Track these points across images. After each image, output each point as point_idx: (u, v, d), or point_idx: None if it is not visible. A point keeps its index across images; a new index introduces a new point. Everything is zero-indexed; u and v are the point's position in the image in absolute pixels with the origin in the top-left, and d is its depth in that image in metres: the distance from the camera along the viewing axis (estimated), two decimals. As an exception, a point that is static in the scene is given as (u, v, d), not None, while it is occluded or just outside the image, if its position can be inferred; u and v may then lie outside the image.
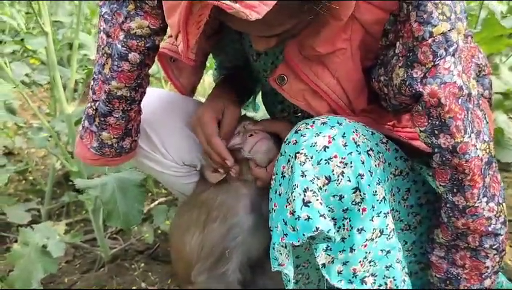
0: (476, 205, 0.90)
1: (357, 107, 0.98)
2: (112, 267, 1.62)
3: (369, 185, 0.84)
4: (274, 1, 0.66)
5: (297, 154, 0.84)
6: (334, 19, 0.84)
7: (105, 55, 0.98)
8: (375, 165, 0.87)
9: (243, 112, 1.23)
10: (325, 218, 0.80)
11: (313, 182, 0.82)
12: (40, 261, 1.37)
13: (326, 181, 0.83)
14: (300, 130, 0.88)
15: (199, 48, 1.01)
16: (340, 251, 0.86)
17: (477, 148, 0.87)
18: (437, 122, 0.85)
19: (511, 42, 1.82)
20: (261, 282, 1.15)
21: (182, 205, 1.27)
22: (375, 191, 0.85)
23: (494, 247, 0.95)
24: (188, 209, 1.18)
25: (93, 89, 1.03)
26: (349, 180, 0.83)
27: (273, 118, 1.26)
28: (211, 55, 1.29)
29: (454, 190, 0.90)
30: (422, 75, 0.82)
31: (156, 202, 1.97)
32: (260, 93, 1.38)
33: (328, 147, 0.83)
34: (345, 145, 0.84)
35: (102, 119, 1.03)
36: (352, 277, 0.87)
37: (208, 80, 2.14)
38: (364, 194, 0.83)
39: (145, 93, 1.06)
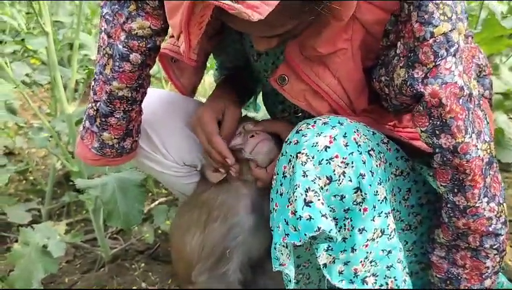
0: (477, 205, 0.90)
1: (357, 107, 0.98)
2: (112, 267, 1.62)
3: (370, 185, 0.84)
4: (276, 2, 0.66)
5: (298, 154, 0.84)
6: (335, 19, 0.84)
7: (106, 55, 0.98)
8: (376, 165, 0.87)
9: (244, 113, 1.23)
10: (326, 218, 0.80)
11: (314, 182, 0.82)
12: (41, 261, 1.36)
13: (328, 181, 0.83)
14: (301, 130, 0.88)
15: (201, 48, 1.01)
16: (341, 251, 0.86)
17: (478, 149, 0.87)
18: (438, 123, 0.85)
19: (511, 42, 1.82)
20: (261, 282, 1.15)
21: (182, 205, 1.27)
22: (376, 191, 0.85)
23: (494, 247, 0.95)
24: (189, 209, 1.18)
25: (94, 89, 1.03)
26: (351, 180, 0.83)
27: (274, 118, 1.26)
28: (211, 56, 1.29)
29: (455, 190, 0.90)
30: (423, 76, 0.82)
31: (156, 202, 1.97)
32: (261, 93, 1.38)
33: (329, 147, 0.83)
34: (346, 145, 0.84)
35: (104, 119, 1.04)
36: (354, 277, 0.87)
37: (208, 80, 2.14)
38: (365, 194, 0.84)
39: (146, 93, 1.07)
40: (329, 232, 0.80)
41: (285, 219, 0.84)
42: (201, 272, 1.08)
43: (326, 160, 0.83)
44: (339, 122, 0.87)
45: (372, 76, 0.95)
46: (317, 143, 0.84)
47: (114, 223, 1.44)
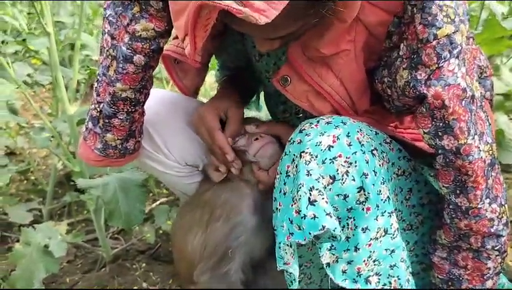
0: (479, 206, 0.90)
1: (359, 108, 0.98)
2: (113, 267, 1.62)
3: (373, 184, 0.84)
4: (283, 5, 0.66)
5: (302, 154, 0.84)
6: (338, 21, 0.85)
7: (109, 57, 0.98)
8: (379, 165, 0.88)
9: (246, 112, 1.23)
10: (331, 217, 0.81)
11: (318, 181, 0.82)
12: (42, 261, 1.37)
13: (331, 180, 0.83)
14: (304, 129, 0.88)
15: (204, 49, 1.02)
16: (344, 250, 0.87)
17: (480, 150, 0.87)
18: (441, 124, 0.85)
19: (511, 43, 1.82)
20: (262, 282, 1.15)
21: (184, 205, 1.27)
22: (380, 191, 0.86)
23: (496, 248, 0.95)
24: (191, 208, 1.18)
25: (97, 90, 1.03)
26: (354, 180, 0.83)
27: (275, 118, 1.27)
28: (213, 56, 1.29)
29: (458, 191, 0.90)
30: (426, 77, 0.82)
31: (158, 202, 1.97)
32: (262, 93, 1.38)
33: (332, 147, 0.84)
34: (349, 145, 0.84)
35: (107, 120, 1.04)
36: (357, 276, 0.88)
37: (209, 81, 2.14)
38: (368, 193, 0.84)
39: (149, 94, 1.07)
40: (333, 230, 0.80)
41: (289, 218, 0.85)
42: (203, 272, 1.07)
43: (330, 159, 0.83)
44: (342, 122, 0.88)
45: (374, 77, 0.95)
46: (320, 142, 0.84)
47: (115, 223, 1.45)
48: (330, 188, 0.83)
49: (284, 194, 0.89)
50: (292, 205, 0.84)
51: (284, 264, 0.86)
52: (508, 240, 0.97)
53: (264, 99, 1.34)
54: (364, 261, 0.87)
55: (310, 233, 0.80)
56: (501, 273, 1.05)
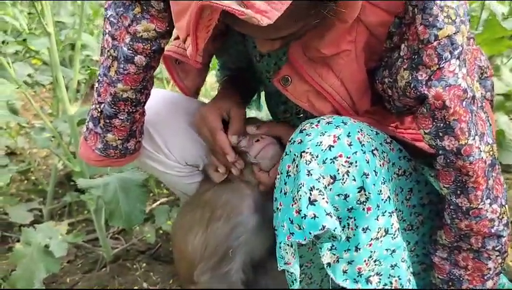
0: (480, 206, 0.90)
1: (360, 108, 0.98)
2: (113, 267, 1.62)
3: (374, 184, 0.84)
4: (285, 6, 0.66)
5: (302, 153, 0.84)
6: (339, 21, 0.85)
7: (110, 57, 0.98)
8: (380, 165, 0.88)
9: (246, 112, 1.23)
10: (331, 217, 0.81)
11: (318, 181, 0.82)
12: (42, 261, 1.37)
13: (332, 180, 0.83)
14: (305, 129, 0.88)
15: (205, 49, 1.02)
16: (345, 250, 0.87)
17: (481, 151, 0.87)
18: (441, 125, 0.85)
19: (511, 44, 1.83)
20: (263, 282, 1.15)
21: (184, 205, 1.27)
22: (380, 191, 0.86)
23: (496, 249, 0.95)
24: (191, 209, 1.18)
25: (98, 91, 1.03)
26: (354, 180, 0.83)
27: (276, 118, 1.27)
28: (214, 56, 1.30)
29: (458, 192, 0.91)
30: (427, 78, 0.82)
31: (158, 202, 1.97)
32: (263, 93, 1.38)
33: (333, 146, 0.84)
34: (350, 145, 0.84)
35: (108, 121, 1.04)
36: (358, 276, 0.88)
37: (209, 81, 2.15)
38: (369, 193, 0.84)
39: (149, 95, 1.07)
40: (333, 230, 0.80)
41: (289, 218, 0.85)
42: (204, 272, 1.07)
43: (330, 159, 0.83)
44: (342, 122, 0.88)
45: (375, 77, 0.95)
46: (321, 142, 0.84)
47: (116, 223, 1.45)
48: (331, 188, 0.83)
49: (285, 194, 0.89)
50: (292, 205, 0.84)
51: (284, 264, 0.86)
52: (508, 240, 0.97)
53: (264, 99, 1.34)
54: (365, 261, 0.87)
55: (310, 233, 0.80)
56: (501, 274, 1.05)
